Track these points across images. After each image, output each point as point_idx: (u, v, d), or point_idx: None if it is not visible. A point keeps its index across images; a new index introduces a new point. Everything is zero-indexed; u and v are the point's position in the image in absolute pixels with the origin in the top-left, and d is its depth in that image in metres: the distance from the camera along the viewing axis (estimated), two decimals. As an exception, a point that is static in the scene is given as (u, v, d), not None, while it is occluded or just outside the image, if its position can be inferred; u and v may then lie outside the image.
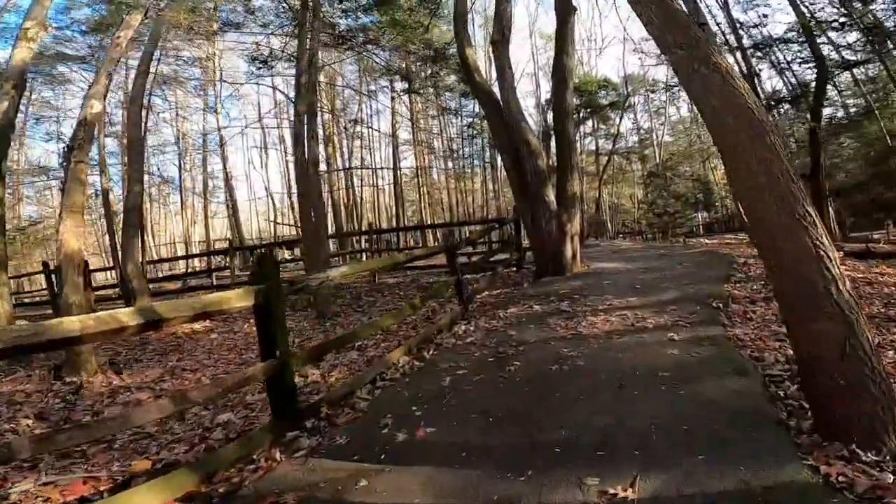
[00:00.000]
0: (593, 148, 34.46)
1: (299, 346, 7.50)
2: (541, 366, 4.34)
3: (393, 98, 20.95)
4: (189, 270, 17.56)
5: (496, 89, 9.67)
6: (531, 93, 34.54)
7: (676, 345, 4.46)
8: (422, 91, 15.05)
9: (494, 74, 10.02)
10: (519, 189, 9.27)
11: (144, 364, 7.35)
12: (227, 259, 14.70)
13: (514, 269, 10.31)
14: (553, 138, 31.94)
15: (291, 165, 23.22)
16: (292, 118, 10.66)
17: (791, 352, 4.10)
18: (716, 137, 2.95)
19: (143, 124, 11.56)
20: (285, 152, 27.97)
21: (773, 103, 8.94)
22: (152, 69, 20.40)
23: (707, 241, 16.16)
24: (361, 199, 21.90)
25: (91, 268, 8.69)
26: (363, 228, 17.50)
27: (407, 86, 15.38)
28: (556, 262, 8.77)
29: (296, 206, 22.17)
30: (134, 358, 7.78)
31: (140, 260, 10.43)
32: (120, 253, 10.43)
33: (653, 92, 32.67)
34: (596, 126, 33.67)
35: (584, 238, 25.02)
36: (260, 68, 16.84)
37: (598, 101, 31.65)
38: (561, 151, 9.27)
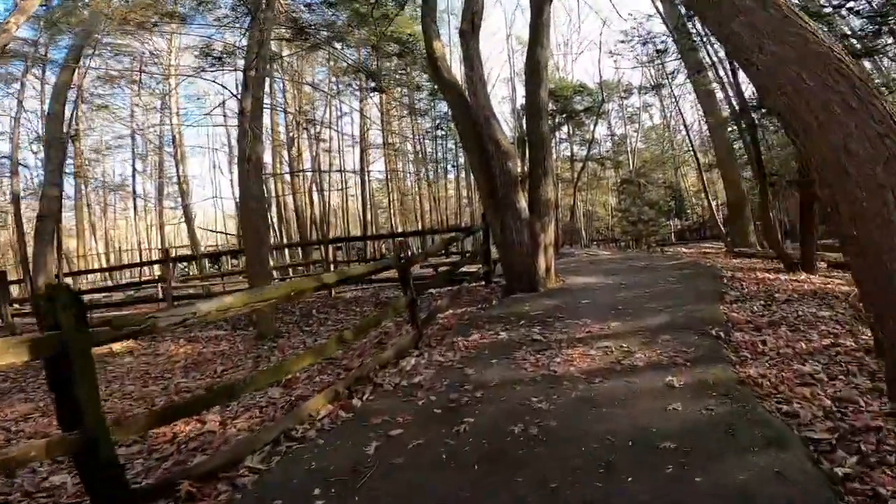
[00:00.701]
0: (569, 154, 33.88)
1: (221, 375, 6.28)
2: (502, 425, 3.23)
3: (362, 99, 19.79)
4: (114, 283, 16.01)
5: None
6: (507, 98, 33.76)
7: (678, 395, 3.41)
8: (388, 89, 13.93)
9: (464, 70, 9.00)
10: (487, 194, 8.20)
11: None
12: (176, 266, 13.27)
13: (483, 283, 9.23)
14: (525, 144, 31.31)
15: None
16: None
17: (829, 402, 3.14)
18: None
19: (64, 122, 10.13)
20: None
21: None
22: (97, 64, 18.84)
23: (684, 249, 15.40)
24: (328, 205, 20.58)
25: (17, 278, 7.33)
26: (322, 237, 16.16)
27: (373, 84, 14.24)
28: (527, 277, 7.72)
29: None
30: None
31: (57, 272, 8.98)
32: (31, 264, 8.96)
33: (627, 95, 32.19)
34: (571, 132, 33.10)
35: (559, 246, 24.16)
36: (213, 65, 15.49)
37: (573, 106, 31.07)
38: (534, 153, 8.25)
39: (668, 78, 17.12)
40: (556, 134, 33.79)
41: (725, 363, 3.92)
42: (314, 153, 19.38)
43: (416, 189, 27.14)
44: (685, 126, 19.26)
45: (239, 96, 9.67)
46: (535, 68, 8.42)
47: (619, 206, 31.82)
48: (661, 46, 15.09)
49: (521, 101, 34.19)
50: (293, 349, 7.13)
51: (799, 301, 5.62)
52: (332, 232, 21.65)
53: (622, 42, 18.82)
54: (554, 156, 33.69)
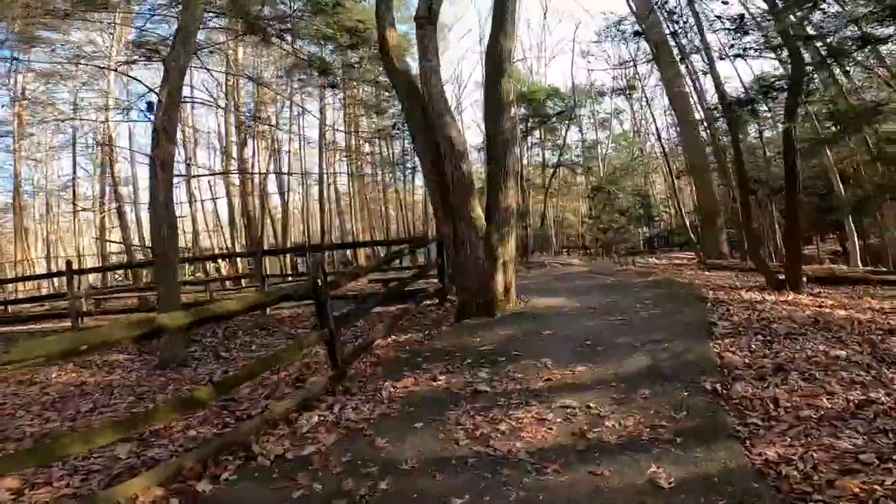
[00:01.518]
0: (540, 160, 33.11)
1: (76, 418, 4.88)
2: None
3: (322, 98, 18.43)
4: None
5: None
6: (479, 102, 32.78)
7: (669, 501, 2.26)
8: (351, 86, 12.69)
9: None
10: (439, 201, 7.01)
11: None
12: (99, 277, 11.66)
13: (438, 302, 8.03)
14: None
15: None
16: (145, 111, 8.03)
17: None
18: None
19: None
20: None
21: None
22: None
23: (655, 260, 14.52)
24: (278, 210, 19.10)
25: None
26: (257, 247, 14.67)
27: (329, 80, 12.95)
28: (483, 299, 6.54)
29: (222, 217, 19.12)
30: None
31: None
32: None
33: (600, 100, 31.62)
34: (543, 137, 32.33)
35: (529, 254, 23.17)
36: (150, 57, 13.97)
37: (545, 110, 30.31)
38: (494, 152, 7.09)
39: (639, 79, 16.30)
40: (528, 139, 33.03)
41: (730, 437, 2.81)
42: (270, 154, 17.92)
43: (383, 195, 25.83)
44: (656, 130, 18.49)
45: (157, 90, 8.29)
46: (497, 57, 7.26)
47: (589, 213, 31.20)
48: (633, 41, 14.22)
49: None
50: (195, 382, 5.77)
51: (802, 334, 4.58)
52: (290, 240, 20.13)
53: (595, 42, 18.03)
54: (525, 160, 32.96)
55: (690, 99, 14.33)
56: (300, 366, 5.58)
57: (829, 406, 3.18)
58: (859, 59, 7.11)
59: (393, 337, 6.38)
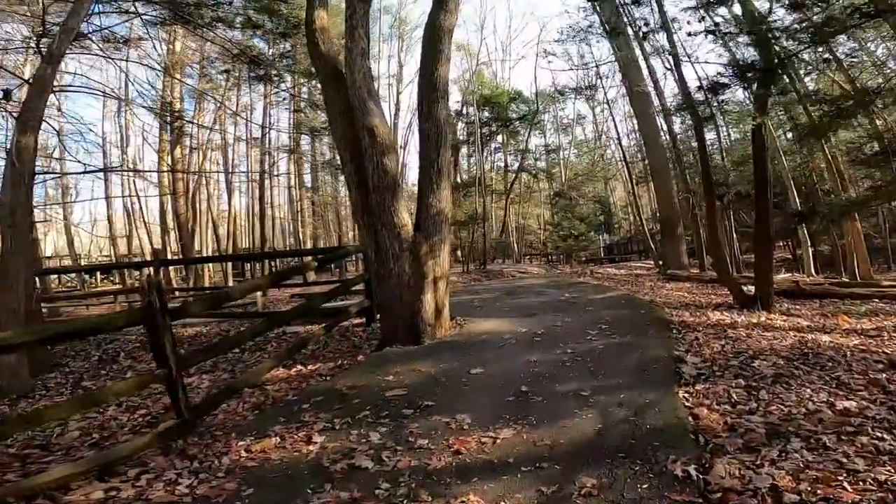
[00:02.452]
0: (502, 164, 32.33)
1: None
2: None
3: (267, 96, 16.92)
4: None
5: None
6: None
7: None
8: (273, 79, 11.33)
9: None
10: (361, 205, 5.80)
11: None
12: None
13: (365, 322, 6.81)
14: (459, 151, 29.22)
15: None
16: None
17: None
18: None
19: None
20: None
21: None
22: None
23: (614, 271, 13.67)
24: (213, 214, 17.40)
25: None
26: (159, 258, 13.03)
27: (260, 73, 11.55)
28: (409, 322, 5.36)
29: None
30: None
31: None
32: None
33: (561, 95, 31.05)
34: (506, 141, 31.56)
35: (488, 262, 22.18)
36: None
37: (508, 114, 29.54)
38: (425, 149, 5.93)
39: (600, 77, 15.55)
40: (490, 143, 32.22)
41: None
42: (203, 153, 16.26)
43: (334, 197, 24.35)
44: (616, 133, 17.78)
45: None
46: (435, 36, 6.10)
47: (551, 219, 30.58)
48: (596, 42, 13.40)
49: (454, 106, 32.50)
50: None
51: (793, 376, 3.58)
52: (231, 245, 18.42)
53: (557, 41, 17.23)
54: (487, 165, 32.13)
55: (652, 98, 13.61)
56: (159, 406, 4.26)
57: (858, 499, 2.13)
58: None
59: (298, 367, 5.16)
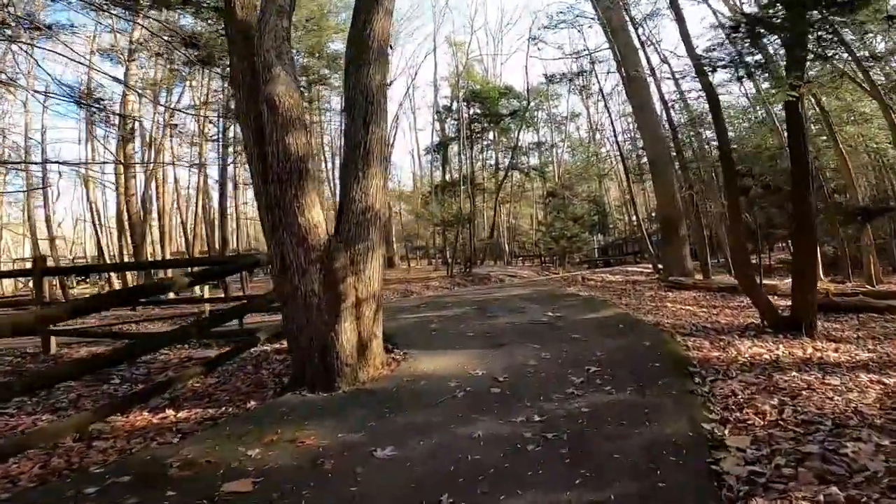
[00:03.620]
0: (493, 162, 30.73)
1: None
2: None
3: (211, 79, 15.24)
4: None
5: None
6: (430, 106, 30.05)
7: None
8: (216, 63, 9.68)
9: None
10: (264, 199, 4.17)
11: None
12: None
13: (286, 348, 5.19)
14: (448, 147, 27.55)
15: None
16: None
17: None
18: None
19: None
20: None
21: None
22: None
23: (610, 277, 12.04)
24: (183, 216, 15.74)
25: None
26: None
27: (195, 54, 9.85)
28: (319, 361, 3.76)
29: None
30: None
31: None
32: None
33: (554, 85, 29.45)
34: (497, 138, 29.96)
35: (475, 264, 20.54)
36: None
37: (498, 110, 27.94)
38: (351, 122, 4.30)
39: (594, 64, 13.98)
40: (481, 141, 30.64)
41: None
42: (155, 148, 14.59)
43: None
44: (612, 124, 16.15)
45: None
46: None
47: (544, 219, 29.00)
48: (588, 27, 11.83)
49: (442, 101, 30.90)
50: None
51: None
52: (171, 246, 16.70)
53: (547, 27, 15.65)
54: (479, 163, 30.48)
55: (650, 86, 12.03)
56: None
57: None
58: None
59: (168, 413, 3.61)
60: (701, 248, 11.76)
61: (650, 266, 15.67)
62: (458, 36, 45.06)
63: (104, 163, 12.56)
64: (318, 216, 3.86)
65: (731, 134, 14.93)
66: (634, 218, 36.19)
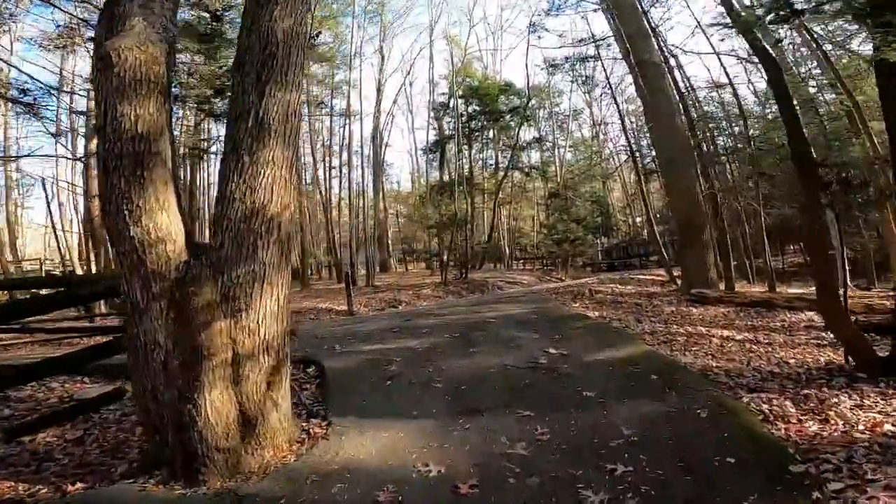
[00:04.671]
0: (493, 162, 29.16)
1: None
2: None
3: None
4: None
5: None
6: (427, 106, 28.49)
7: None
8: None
9: None
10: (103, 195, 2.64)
11: None
12: None
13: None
14: (445, 146, 26.01)
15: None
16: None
17: None
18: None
19: None
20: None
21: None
22: None
23: (620, 287, 10.47)
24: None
25: None
26: None
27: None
28: (178, 440, 2.25)
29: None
30: None
31: None
32: None
33: (557, 93, 27.96)
34: (496, 137, 28.40)
35: (467, 271, 18.90)
36: None
37: (498, 107, 26.37)
38: (242, 84, 2.78)
39: (598, 48, 12.42)
40: (479, 139, 29.07)
41: None
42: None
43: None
44: (620, 115, 14.50)
45: None
46: None
47: (547, 220, 27.42)
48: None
49: (440, 98, 29.26)
50: None
51: None
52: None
53: (548, 13, 14.12)
54: (479, 164, 28.90)
55: (664, 71, 10.47)
56: None
57: None
58: None
59: None
60: (723, 255, 10.19)
61: (664, 273, 14.10)
62: (455, 29, 43.58)
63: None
64: (167, 225, 2.33)
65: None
66: (641, 219, 34.60)
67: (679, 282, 11.43)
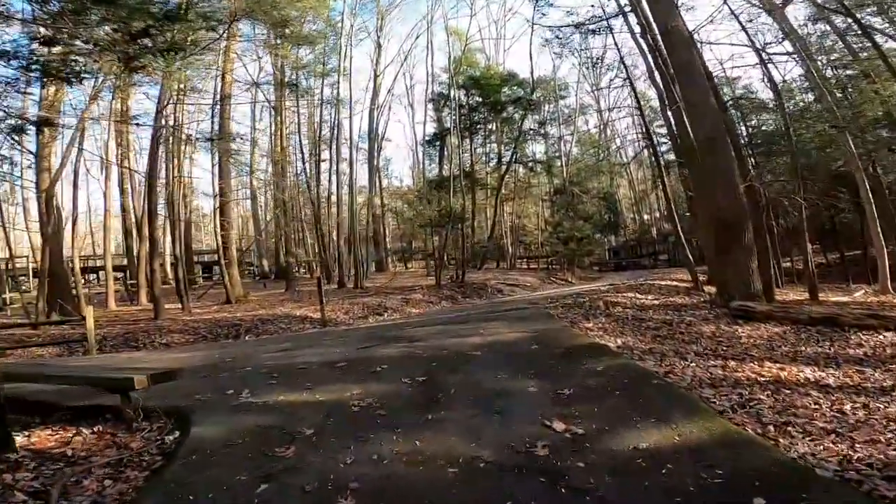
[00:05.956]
0: (495, 155, 27.32)
1: None
2: None
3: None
4: None
5: None
6: (426, 98, 26.69)
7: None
8: None
9: None
10: None
11: None
12: None
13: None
14: (445, 140, 24.24)
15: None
16: None
17: None
18: None
19: None
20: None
21: None
22: None
23: (641, 297, 8.69)
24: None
25: None
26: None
27: None
28: None
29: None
30: None
31: None
32: None
33: (564, 86, 26.10)
34: (499, 130, 26.56)
35: (464, 273, 16.98)
36: None
37: (500, 98, 24.55)
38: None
39: (607, 20, 10.62)
40: (480, 132, 27.25)
41: None
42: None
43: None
44: (634, 94, 12.59)
45: None
46: None
47: (551, 217, 25.60)
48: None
49: (438, 85, 27.26)
50: None
51: None
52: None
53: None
54: (480, 159, 26.88)
55: (695, 42, 8.65)
56: None
57: None
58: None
59: None
60: (763, 256, 8.40)
61: (685, 276, 12.30)
62: (454, 21, 41.50)
63: None
64: None
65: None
66: (648, 217, 32.63)
67: (706, 288, 9.64)
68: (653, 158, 27.44)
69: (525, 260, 26.84)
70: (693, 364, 3.95)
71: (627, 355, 4.19)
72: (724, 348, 4.90)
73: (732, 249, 7.21)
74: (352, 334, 6.46)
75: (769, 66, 12.64)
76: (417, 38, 23.70)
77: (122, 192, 19.29)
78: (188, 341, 9.09)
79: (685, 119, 8.72)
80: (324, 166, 19.49)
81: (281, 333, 8.96)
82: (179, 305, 12.35)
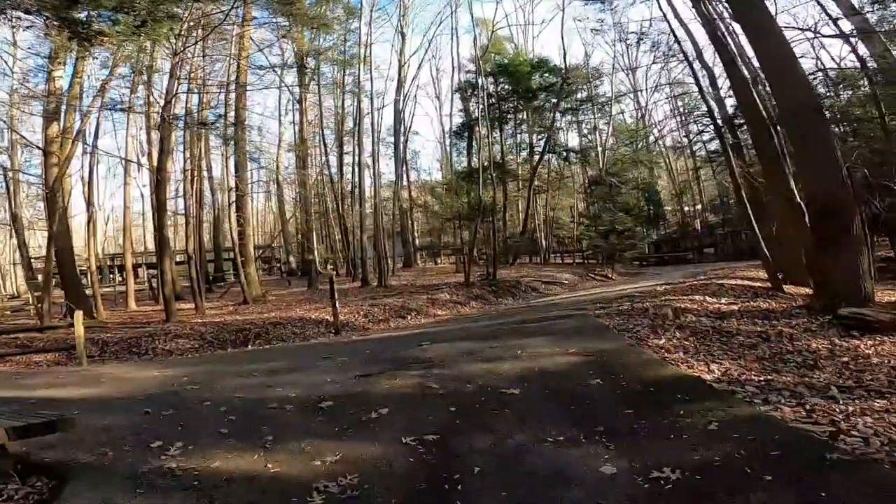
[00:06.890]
0: (526, 145, 25.73)
1: None
2: None
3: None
4: None
5: None
6: (450, 93, 25.30)
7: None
8: None
9: None
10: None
11: None
12: None
13: None
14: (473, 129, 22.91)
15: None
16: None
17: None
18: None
19: None
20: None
21: None
22: None
23: (712, 300, 7.19)
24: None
25: None
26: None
27: None
28: None
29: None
30: None
31: None
32: None
33: (597, 75, 24.22)
34: (529, 119, 24.92)
35: (495, 271, 15.43)
36: None
37: (530, 86, 22.92)
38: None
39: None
40: (510, 121, 25.69)
41: None
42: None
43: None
44: (692, 72, 10.87)
45: None
46: None
47: (586, 210, 23.84)
48: None
49: (465, 76, 25.71)
50: None
51: None
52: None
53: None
54: (507, 152, 25.33)
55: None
56: None
57: None
58: None
59: None
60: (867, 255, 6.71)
61: (758, 274, 10.55)
62: (480, 2, 39.11)
63: None
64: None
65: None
66: (689, 209, 30.33)
67: (788, 289, 7.98)
68: (700, 145, 25.49)
69: (560, 255, 25.21)
70: (849, 407, 2.54)
71: (740, 394, 2.81)
72: (859, 374, 3.46)
73: (837, 243, 5.63)
74: (360, 349, 5.29)
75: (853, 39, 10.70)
76: (441, 23, 22.32)
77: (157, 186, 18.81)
78: (192, 348, 8.20)
79: (769, 88, 7.09)
80: (346, 158, 18.51)
81: (288, 342, 7.94)
82: (193, 306, 11.58)
